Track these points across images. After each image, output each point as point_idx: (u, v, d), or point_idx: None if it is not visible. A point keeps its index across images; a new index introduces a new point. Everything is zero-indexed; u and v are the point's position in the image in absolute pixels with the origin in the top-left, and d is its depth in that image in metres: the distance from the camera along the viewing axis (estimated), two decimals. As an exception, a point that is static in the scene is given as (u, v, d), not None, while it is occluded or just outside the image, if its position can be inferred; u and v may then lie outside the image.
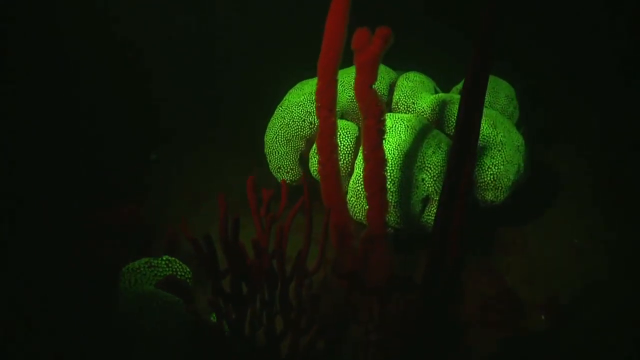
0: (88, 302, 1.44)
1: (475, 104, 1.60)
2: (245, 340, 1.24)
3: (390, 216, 2.01)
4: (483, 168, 2.10)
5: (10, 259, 2.10)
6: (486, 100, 2.38)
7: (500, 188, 2.11)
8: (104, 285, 1.49)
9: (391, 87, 2.40)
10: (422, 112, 2.26)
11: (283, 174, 2.38)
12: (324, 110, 1.51)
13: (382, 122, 1.50)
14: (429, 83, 2.40)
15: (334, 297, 1.41)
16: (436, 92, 2.43)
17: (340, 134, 2.20)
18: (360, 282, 1.40)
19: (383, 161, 1.49)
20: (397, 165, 2.00)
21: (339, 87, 2.35)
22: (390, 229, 2.05)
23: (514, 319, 1.86)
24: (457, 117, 1.47)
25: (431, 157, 2.05)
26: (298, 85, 2.45)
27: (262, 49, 3.62)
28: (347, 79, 2.30)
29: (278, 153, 2.36)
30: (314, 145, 2.23)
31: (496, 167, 2.10)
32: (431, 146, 2.07)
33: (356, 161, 2.10)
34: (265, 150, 2.42)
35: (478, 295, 1.98)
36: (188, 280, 1.49)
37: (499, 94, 2.43)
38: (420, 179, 2.03)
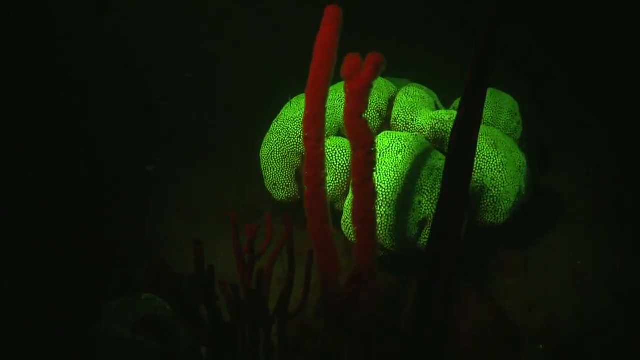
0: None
1: (469, 129, 1.54)
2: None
3: (386, 240, 1.96)
4: (483, 190, 2.03)
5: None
6: (488, 116, 2.31)
7: (500, 210, 2.05)
8: (82, 328, 1.46)
9: (390, 102, 2.33)
10: (421, 129, 2.19)
11: (278, 190, 2.33)
12: (312, 142, 1.44)
13: (373, 154, 1.44)
14: (429, 98, 2.32)
15: (319, 339, 1.36)
16: (437, 108, 2.36)
17: (335, 152, 2.14)
18: (345, 323, 1.35)
19: (373, 195, 1.42)
20: (393, 187, 1.94)
21: (337, 102, 2.30)
22: (382, 252, 2.00)
23: (509, 353, 1.79)
24: (450, 139, 1.42)
25: (428, 178, 1.98)
26: (294, 99, 2.39)
27: (261, 60, 3.58)
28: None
29: (274, 169, 2.31)
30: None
31: (496, 189, 2.03)
32: (429, 167, 2.00)
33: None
34: (261, 166, 2.37)
35: (473, 324, 1.92)
36: (168, 320, 1.45)
37: (502, 110, 2.35)
38: (417, 202, 1.97)
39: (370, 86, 1.43)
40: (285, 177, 2.30)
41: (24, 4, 3.25)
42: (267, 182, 2.35)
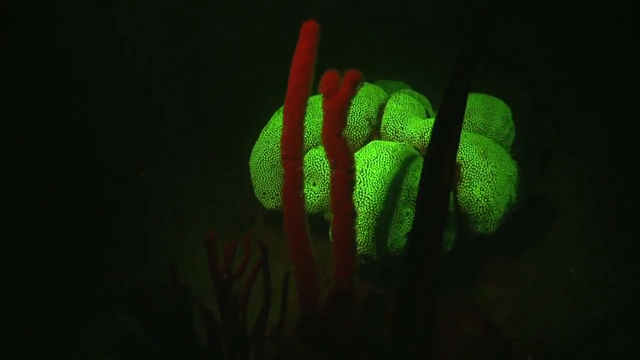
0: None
1: (447, 136, 1.48)
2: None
3: (374, 251, 1.94)
4: (472, 200, 2.01)
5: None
6: (480, 122, 2.28)
7: (490, 221, 2.02)
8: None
9: (381, 109, 2.30)
10: (411, 138, 2.17)
11: (268, 200, 2.31)
12: (290, 160, 1.42)
13: (352, 173, 1.41)
14: (420, 106, 2.29)
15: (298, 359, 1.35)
16: (428, 116, 2.32)
17: (323, 162, 2.12)
18: (324, 345, 1.33)
19: (352, 215, 1.41)
20: (381, 199, 1.92)
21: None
22: (370, 263, 1.98)
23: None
24: (427, 151, 1.38)
25: (416, 190, 1.96)
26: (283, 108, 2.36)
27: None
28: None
29: (263, 178, 2.30)
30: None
31: (486, 200, 2.00)
32: (417, 178, 1.97)
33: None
34: (250, 175, 2.36)
35: (461, 335, 1.90)
36: (145, 343, 1.45)
37: (494, 116, 2.31)
38: (404, 213, 1.94)
39: (349, 104, 1.41)
40: (274, 187, 2.28)
41: (24, 4, 3.24)
42: (257, 191, 2.33)
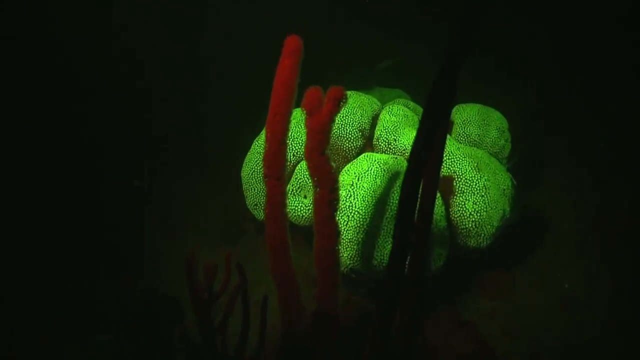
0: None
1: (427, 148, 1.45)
2: None
3: (363, 266, 1.92)
4: (465, 214, 1.98)
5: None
6: (475, 133, 2.25)
7: (482, 235, 1.99)
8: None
9: (374, 120, 2.28)
10: (403, 150, 2.14)
11: (259, 211, 2.29)
12: (272, 179, 1.40)
13: (336, 192, 1.39)
14: (414, 117, 2.26)
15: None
16: (421, 126, 2.29)
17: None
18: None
19: (335, 235, 1.38)
20: (370, 213, 1.89)
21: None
22: (354, 276, 1.96)
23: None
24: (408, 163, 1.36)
25: (407, 204, 1.93)
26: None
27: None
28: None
29: (254, 190, 2.28)
30: (289, 185, 2.14)
31: (478, 214, 1.97)
32: (408, 192, 1.94)
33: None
34: (242, 186, 2.34)
35: (450, 352, 1.88)
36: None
37: (490, 127, 2.28)
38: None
39: (332, 122, 1.38)
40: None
41: (24, 5, 3.24)
42: (249, 202, 2.31)
